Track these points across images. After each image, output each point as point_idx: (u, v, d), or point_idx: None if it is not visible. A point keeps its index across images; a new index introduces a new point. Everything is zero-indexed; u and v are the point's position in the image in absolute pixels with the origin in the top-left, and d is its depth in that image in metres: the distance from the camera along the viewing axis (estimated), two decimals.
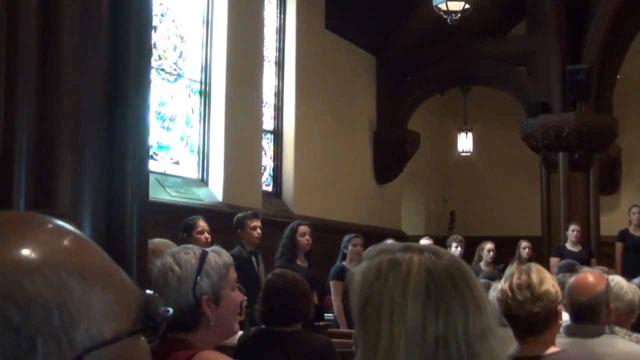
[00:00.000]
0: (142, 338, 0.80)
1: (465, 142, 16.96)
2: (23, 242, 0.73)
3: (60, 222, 0.79)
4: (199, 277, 2.42)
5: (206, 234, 6.63)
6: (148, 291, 0.82)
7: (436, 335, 1.34)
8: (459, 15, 10.25)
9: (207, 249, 2.54)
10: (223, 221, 8.10)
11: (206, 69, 10.37)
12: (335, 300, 8.08)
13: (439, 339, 1.34)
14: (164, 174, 9.54)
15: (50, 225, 0.78)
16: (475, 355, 1.35)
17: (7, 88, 3.85)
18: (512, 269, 3.00)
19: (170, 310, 0.83)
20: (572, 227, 10.69)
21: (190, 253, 2.48)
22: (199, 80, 10.35)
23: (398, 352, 1.34)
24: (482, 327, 1.37)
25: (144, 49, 4.07)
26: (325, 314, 8.35)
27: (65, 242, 0.76)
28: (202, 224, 6.70)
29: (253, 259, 7.31)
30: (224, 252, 2.57)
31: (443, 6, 10.24)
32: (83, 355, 0.71)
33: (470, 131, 16.85)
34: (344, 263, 8.21)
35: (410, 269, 1.39)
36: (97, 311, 0.73)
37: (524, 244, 10.70)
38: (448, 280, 1.38)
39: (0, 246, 0.72)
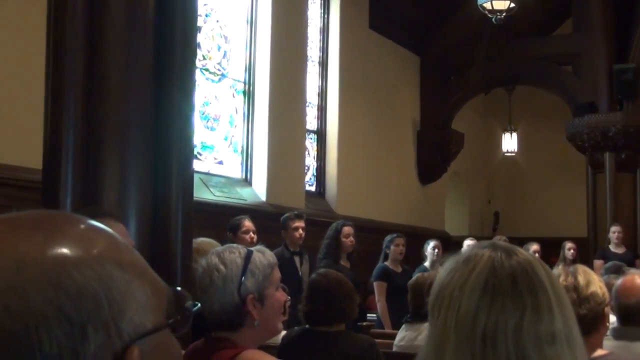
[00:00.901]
0: None
1: (509, 142, 16.83)
2: (66, 236, 0.75)
3: (96, 223, 0.81)
4: (244, 277, 2.43)
5: (251, 233, 6.66)
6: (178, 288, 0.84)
7: (484, 331, 1.34)
8: (504, 14, 10.16)
9: (252, 248, 2.54)
10: (266, 221, 8.12)
11: (250, 69, 10.39)
12: (379, 300, 8.05)
13: (487, 335, 1.34)
14: (207, 173, 9.59)
15: (89, 223, 0.80)
16: (526, 359, 1.33)
17: (55, 88, 3.90)
18: (558, 270, 2.97)
19: (198, 304, 0.84)
20: (613, 228, 10.57)
21: (235, 252, 2.48)
22: (243, 80, 10.38)
23: (448, 343, 1.35)
24: (546, 332, 1.36)
25: (189, 50, 4.09)
26: (368, 314, 8.33)
27: (104, 238, 0.78)
28: (247, 223, 6.72)
29: (296, 259, 7.31)
30: (268, 251, 2.58)
31: (488, 5, 10.16)
32: (130, 344, 0.73)
33: (514, 131, 16.72)
34: (386, 263, 8.18)
35: (477, 265, 1.41)
36: (139, 302, 0.75)
37: (568, 245, 10.57)
38: (508, 280, 1.38)
39: (45, 241, 0.73)
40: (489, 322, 1.34)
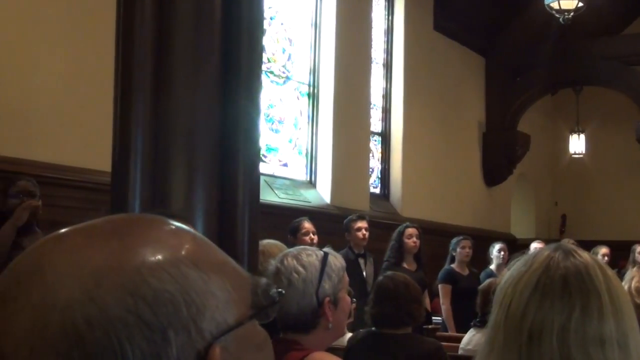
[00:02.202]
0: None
1: (577, 144, 16.56)
2: (142, 241, 0.75)
3: (175, 222, 0.81)
4: (322, 279, 2.44)
5: (311, 235, 6.66)
6: (263, 279, 0.84)
7: (531, 328, 1.37)
8: (571, 14, 10.00)
9: (327, 251, 2.55)
10: (331, 223, 8.13)
11: (314, 72, 10.42)
12: (443, 303, 8.00)
13: (534, 333, 1.37)
14: (272, 175, 9.63)
15: (165, 225, 0.80)
16: (570, 359, 1.34)
17: (123, 91, 3.94)
18: (631, 272, 2.91)
19: (283, 291, 0.84)
20: None
21: (312, 255, 2.49)
22: (308, 82, 10.40)
23: (498, 338, 1.41)
24: (593, 335, 1.36)
25: (255, 53, 4.10)
26: (434, 317, 8.28)
27: (181, 239, 0.78)
28: (307, 225, 6.73)
29: (361, 261, 7.31)
30: (337, 254, 2.58)
31: (555, 5, 10.01)
32: (213, 342, 0.73)
33: (582, 132, 16.45)
34: (452, 266, 8.13)
35: (533, 264, 1.44)
36: (219, 299, 0.75)
37: (639, 248, 10.37)
38: (560, 280, 1.40)
39: (121, 249, 0.74)
40: (536, 319, 1.38)
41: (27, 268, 0.76)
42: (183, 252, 0.75)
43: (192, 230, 0.81)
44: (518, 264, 1.47)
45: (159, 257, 0.74)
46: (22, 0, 6.59)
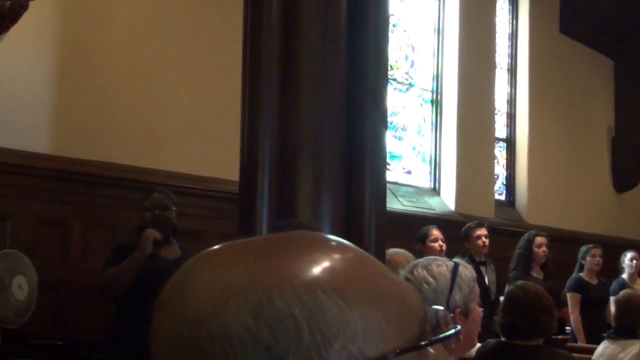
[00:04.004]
0: (431, 351, 0.78)
1: None
2: (288, 262, 0.74)
3: (339, 241, 0.80)
4: (452, 290, 2.41)
5: (440, 242, 6.62)
6: (438, 307, 0.82)
7: None
8: None
9: (457, 261, 2.52)
10: (456, 230, 8.03)
11: (437, 78, 10.35)
12: (572, 312, 7.81)
13: None
14: (396, 183, 9.61)
15: (326, 247, 0.78)
16: None
17: (251, 102, 4.01)
18: None
19: (458, 328, 0.81)
20: None
21: (442, 265, 2.46)
22: (431, 89, 10.35)
23: None
24: None
25: (381, 62, 4.10)
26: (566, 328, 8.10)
27: (332, 262, 0.75)
28: (435, 232, 6.69)
29: (482, 269, 7.21)
30: (467, 264, 2.55)
31: None
32: None
33: None
34: (581, 274, 7.93)
35: None
36: (358, 330, 0.72)
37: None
38: None
39: (262, 266, 0.74)
40: None
41: (179, 278, 0.77)
42: (327, 278, 0.73)
43: (357, 252, 0.79)
44: None
45: (296, 280, 0.73)
46: (150, 15, 6.79)
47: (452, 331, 0.80)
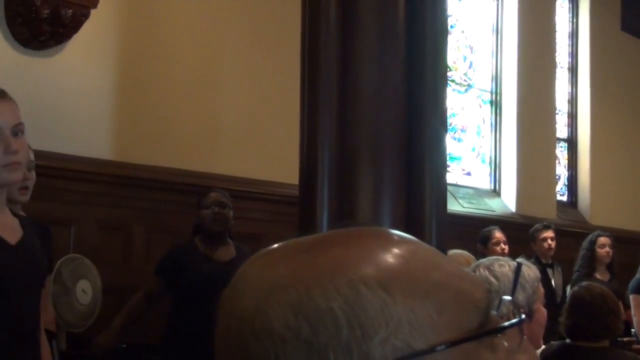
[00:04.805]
0: (505, 344, 0.77)
1: None
2: (332, 258, 0.74)
3: (397, 235, 0.79)
4: (515, 291, 2.38)
5: (502, 244, 6.61)
6: (504, 297, 0.80)
7: None
8: None
9: (520, 261, 2.49)
10: (517, 232, 7.96)
11: (497, 78, 10.27)
12: (635, 315, 7.67)
13: None
14: (455, 185, 9.54)
15: (380, 240, 0.77)
16: None
17: (310, 105, 4.02)
18: None
19: (522, 318, 0.79)
20: None
21: (505, 266, 2.44)
22: (490, 90, 10.26)
23: None
24: None
25: (439, 62, 4.08)
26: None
27: (381, 255, 0.75)
28: (498, 234, 6.69)
29: (549, 271, 7.16)
30: (531, 264, 2.52)
31: None
32: None
33: None
34: None
35: None
36: (403, 323, 0.72)
37: None
38: None
39: (306, 263, 0.74)
40: None
41: (235, 278, 0.78)
42: (372, 272, 0.73)
43: (414, 247, 0.78)
44: None
45: (338, 275, 0.73)
46: (207, 17, 6.84)
47: (513, 321, 0.79)
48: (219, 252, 5.03)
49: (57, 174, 5.55)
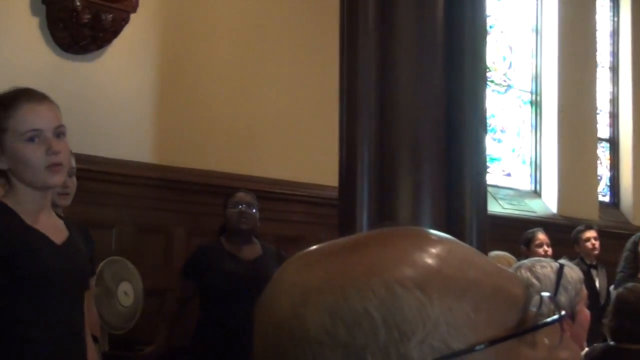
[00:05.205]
0: (545, 341, 0.77)
1: None
2: (368, 259, 0.74)
3: (432, 234, 0.79)
4: (557, 292, 2.36)
5: (545, 246, 6.60)
6: (544, 293, 0.80)
7: None
8: None
9: (563, 262, 2.47)
10: (558, 233, 7.89)
11: (536, 79, 10.19)
12: None
13: None
14: (495, 186, 9.49)
15: (417, 240, 0.77)
16: None
17: (349, 106, 4.01)
18: None
19: (563, 314, 0.78)
20: None
21: (547, 267, 2.42)
22: (530, 90, 10.19)
23: None
24: None
25: (479, 63, 4.06)
26: None
27: (417, 256, 0.74)
28: (541, 236, 6.68)
29: (593, 272, 7.11)
30: (574, 266, 2.49)
31: None
32: None
33: None
34: None
35: None
36: (440, 323, 0.71)
37: None
38: None
39: (342, 265, 0.74)
40: None
41: (272, 281, 0.78)
42: (408, 272, 0.73)
43: (450, 246, 0.77)
44: None
45: (374, 277, 0.72)
46: (245, 19, 6.86)
47: (553, 317, 0.78)
48: (245, 251, 5.06)
49: (99, 177, 5.60)
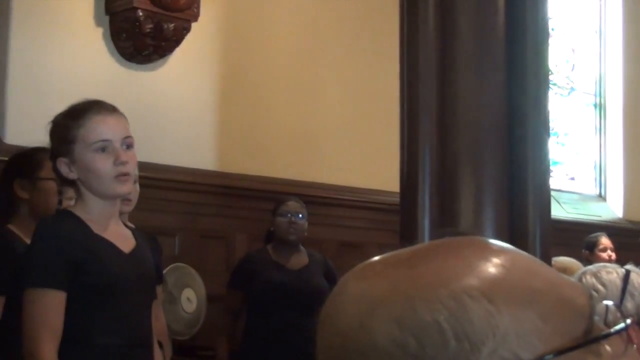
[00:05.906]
0: (609, 349, 0.76)
1: None
2: (433, 270, 0.74)
3: (495, 244, 0.78)
4: (623, 298, 2.32)
5: (609, 251, 6.48)
6: (607, 302, 0.79)
7: None
8: None
9: (629, 268, 2.43)
10: (624, 238, 7.75)
11: (600, 81, 10.04)
12: None
13: None
14: (559, 190, 9.36)
15: (479, 250, 0.77)
16: None
17: (409, 112, 4.00)
18: None
19: (628, 323, 0.77)
20: None
21: (612, 273, 2.38)
22: (594, 92, 10.04)
23: None
24: None
25: (541, 66, 4.01)
26: None
27: (482, 265, 0.74)
28: (604, 241, 6.56)
29: None
30: None
31: None
32: None
33: None
34: None
35: None
36: (509, 333, 0.71)
37: None
38: None
39: (407, 276, 0.74)
40: None
41: (334, 292, 0.79)
42: (474, 282, 0.73)
43: (513, 255, 0.77)
44: None
45: (441, 287, 0.72)
46: (306, 26, 6.89)
47: (619, 326, 0.77)
48: (292, 260, 5.02)
49: (161, 185, 5.66)
